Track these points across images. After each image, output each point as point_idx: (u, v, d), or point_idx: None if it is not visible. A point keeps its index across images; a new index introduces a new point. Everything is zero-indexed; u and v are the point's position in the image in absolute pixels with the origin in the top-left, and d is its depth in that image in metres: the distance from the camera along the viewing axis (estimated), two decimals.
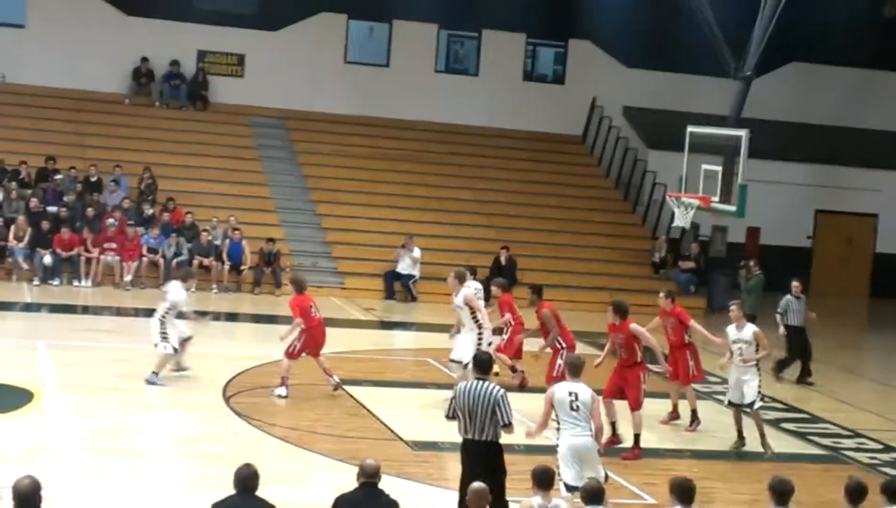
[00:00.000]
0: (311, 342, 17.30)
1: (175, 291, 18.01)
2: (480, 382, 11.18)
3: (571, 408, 11.69)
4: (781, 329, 21.38)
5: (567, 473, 11.60)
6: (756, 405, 15.93)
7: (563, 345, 16.82)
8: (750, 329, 16.18)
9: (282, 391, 16.96)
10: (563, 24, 35.78)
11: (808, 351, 21.49)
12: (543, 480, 9.79)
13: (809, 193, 35.54)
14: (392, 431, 15.70)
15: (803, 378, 21.31)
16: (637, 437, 15.26)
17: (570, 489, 11.49)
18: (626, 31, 35.20)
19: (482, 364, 11.47)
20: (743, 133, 25.34)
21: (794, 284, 21.79)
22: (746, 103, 29.63)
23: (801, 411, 19.05)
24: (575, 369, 12.00)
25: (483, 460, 11.01)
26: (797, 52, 35.90)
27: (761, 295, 23.89)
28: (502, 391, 11.19)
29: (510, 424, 11.09)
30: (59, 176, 28.36)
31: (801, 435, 17.28)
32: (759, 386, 15.99)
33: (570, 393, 11.76)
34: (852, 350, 22.11)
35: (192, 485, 12.88)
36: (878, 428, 18.32)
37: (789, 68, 36.43)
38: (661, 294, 17.88)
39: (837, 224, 36.13)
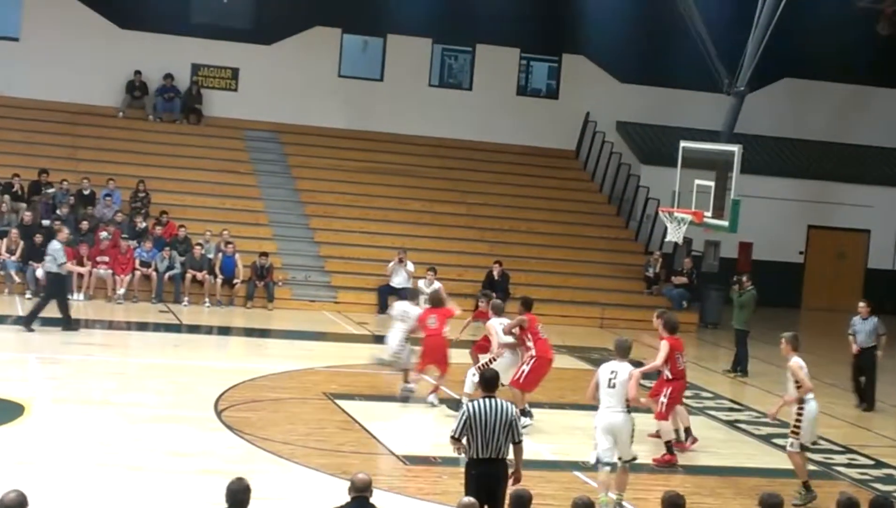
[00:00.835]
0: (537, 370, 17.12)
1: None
2: (491, 400, 10.99)
3: (609, 385, 13.10)
4: (854, 348, 21.21)
5: (601, 445, 13.05)
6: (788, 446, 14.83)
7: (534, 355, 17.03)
8: (791, 361, 14.76)
9: (527, 420, 16.17)
10: (557, 39, 35.85)
11: (869, 375, 21.20)
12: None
13: (802, 208, 35.63)
14: (384, 445, 15.70)
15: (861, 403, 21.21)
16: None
17: (602, 464, 13.02)
18: (619, 47, 35.27)
19: (489, 382, 11.24)
20: (736, 148, 25.42)
21: (860, 304, 21.59)
22: (739, 119, 29.70)
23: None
24: (622, 350, 13.36)
25: (495, 478, 10.93)
26: (790, 67, 36.02)
27: (753, 310, 23.89)
28: (515, 408, 11.14)
29: (521, 440, 11.08)
30: (51, 190, 28.34)
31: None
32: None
33: (612, 372, 13.16)
34: (844, 367, 22.10)
35: (184, 499, 12.86)
36: (869, 444, 18.34)
37: (782, 84, 36.54)
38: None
39: (830, 240, 36.21)
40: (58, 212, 27.66)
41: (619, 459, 13.26)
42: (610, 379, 13.08)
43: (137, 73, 32.78)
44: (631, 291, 30.96)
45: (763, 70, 30.02)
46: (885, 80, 37.18)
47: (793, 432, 14.43)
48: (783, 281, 34.62)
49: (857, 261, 36.61)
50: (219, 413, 16.68)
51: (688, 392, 20.85)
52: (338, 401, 17.93)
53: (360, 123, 34.25)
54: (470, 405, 11.03)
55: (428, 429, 17.16)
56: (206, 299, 27.28)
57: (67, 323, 22.09)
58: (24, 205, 28.07)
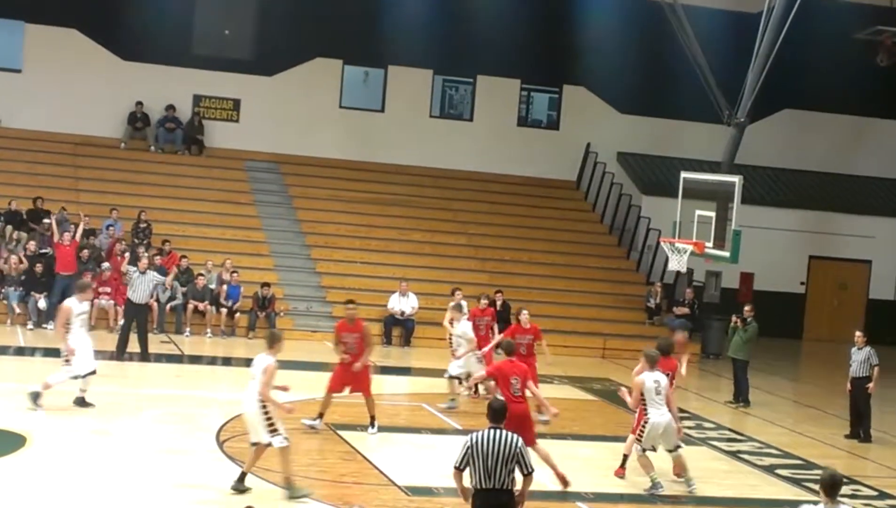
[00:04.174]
0: None
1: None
2: (496, 431, 10.93)
3: (656, 392, 15.51)
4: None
5: (648, 443, 15.56)
6: None
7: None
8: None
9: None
10: (558, 71, 35.97)
11: (861, 406, 21.07)
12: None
13: (803, 239, 35.66)
14: (386, 476, 15.65)
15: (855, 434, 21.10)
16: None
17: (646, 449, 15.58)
18: (620, 78, 35.40)
19: (496, 413, 11.12)
20: (736, 179, 25.44)
21: (857, 334, 21.52)
22: (740, 150, 29.75)
23: (794, 457, 19.01)
24: (653, 360, 15.62)
25: (500, 505, 10.90)
26: (790, 98, 36.13)
27: (755, 341, 23.88)
28: (521, 439, 11.05)
29: (532, 472, 11.04)
30: (47, 220, 28.23)
31: (795, 481, 17.22)
32: None
33: (655, 381, 15.50)
34: (846, 398, 22.05)
35: None
36: (873, 475, 18.30)
37: (783, 115, 36.64)
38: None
39: (831, 270, 36.21)
40: (60, 239, 27.59)
41: (669, 451, 15.79)
42: (656, 388, 15.57)
43: (139, 104, 32.89)
44: (632, 321, 30.95)
45: (763, 101, 30.09)
46: (884, 111, 37.29)
47: (637, 439, 15.77)
48: (784, 312, 34.62)
49: (858, 292, 36.60)
50: (221, 444, 16.64)
51: (689, 423, 20.88)
52: (339, 432, 17.89)
53: (361, 153, 34.31)
54: (473, 435, 10.96)
55: (430, 460, 17.11)
56: (208, 330, 27.27)
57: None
58: (24, 234, 28.10)
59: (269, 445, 14.06)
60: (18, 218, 28.62)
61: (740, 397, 23.70)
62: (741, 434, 20.81)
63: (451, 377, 20.39)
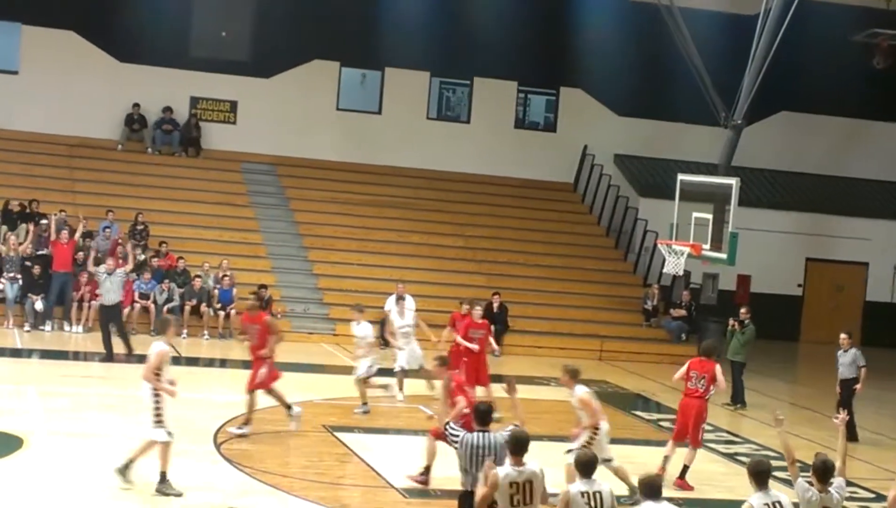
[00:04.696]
0: None
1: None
2: (484, 434, 11.00)
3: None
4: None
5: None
6: None
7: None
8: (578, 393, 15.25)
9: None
10: (555, 73, 35.99)
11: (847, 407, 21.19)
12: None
13: (800, 241, 35.69)
14: (383, 478, 15.64)
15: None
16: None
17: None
18: (617, 80, 35.41)
19: (482, 416, 11.18)
20: (733, 181, 25.47)
21: (842, 336, 21.54)
22: (737, 152, 29.79)
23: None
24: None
25: None
26: (787, 101, 36.17)
27: (753, 344, 23.92)
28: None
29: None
30: (44, 221, 28.24)
31: (792, 484, 17.19)
32: None
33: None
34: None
35: None
36: (870, 477, 18.29)
37: (779, 117, 36.67)
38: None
39: (828, 272, 36.24)
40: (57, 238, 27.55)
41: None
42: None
43: (136, 106, 32.88)
44: (629, 323, 30.96)
45: (760, 103, 30.15)
46: (881, 113, 37.32)
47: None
48: (782, 314, 34.65)
49: (855, 294, 36.63)
50: (218, 446, 16.64)
51: None
52: (336, 433, 17.89)
53: (359, 155, 34.31)
54: (463, 439, 11.01)
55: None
56: (205, 332, 27.26)
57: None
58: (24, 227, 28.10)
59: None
60: (13, 217, 28.56)
61: (738, 399, 23.72)
62: (738, 437, 20.82)
63: (362, 379, 19.67)
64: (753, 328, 23.65)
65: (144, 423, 14.05)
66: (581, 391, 14.71)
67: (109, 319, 23.46)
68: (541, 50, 35.45)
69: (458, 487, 11.32)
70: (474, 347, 20.35)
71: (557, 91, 36.45)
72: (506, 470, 10.02)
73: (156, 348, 14.20)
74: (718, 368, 16.62)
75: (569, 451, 14.18)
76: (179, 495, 13.86)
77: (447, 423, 11.32)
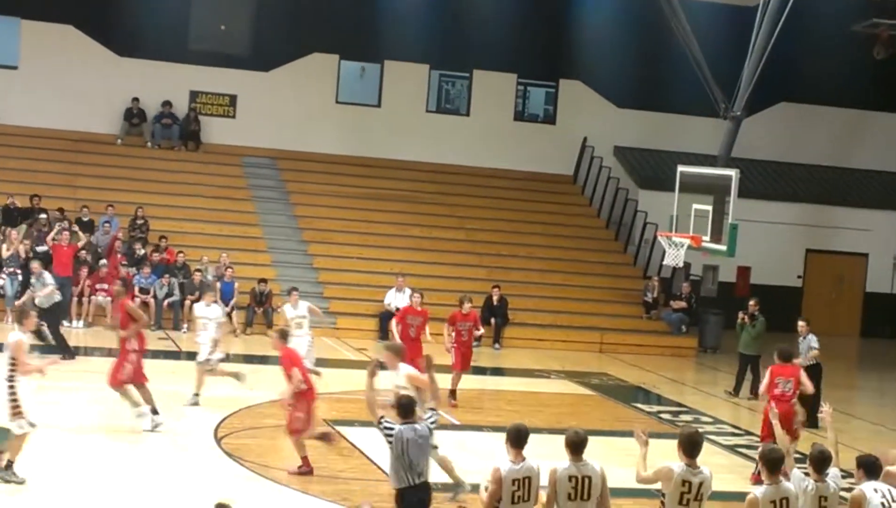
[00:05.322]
0: None
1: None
2: (413, 426, 11.07)
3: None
4: None
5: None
6: None
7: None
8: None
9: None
10: (554, 65, 35.97)
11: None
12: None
13: (800, 232, 35.69)
14: (384, 472, 15.62)
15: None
16: None
17: None
18: (616, 72, 35.39)
19: (405, 409, 11.22)
20: (733, 173, 25.49)
21: (799, 323, 21.71)
22: (736, 143, 29.75)
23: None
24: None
25: (429, 501, 11.11)
26: (787, 92, 36.14)
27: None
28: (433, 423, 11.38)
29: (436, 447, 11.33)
30: (43, 216, 28.27)
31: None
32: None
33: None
34: (843, 390, 22.11)
35: None
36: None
37: (779, 108, 36.65)
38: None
39: (828, 263, 36.24)
40: (56, 238, 27.59)
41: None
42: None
43: (135, 100, 32.88)
44: (630, 315, 30.96)
45: (760, 94, 30.15)
46: (881, 103, 37.30)
47: None
48: (782, 305, 34.57)
49: (855, 285, 36.64)
50: (218, 441, 16.65)
51: (687, 417, 20.93)
52: (337, 427, 17.89)
53: (358, 148, 34.31)
54: (398, 434, 10.99)
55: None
56: None
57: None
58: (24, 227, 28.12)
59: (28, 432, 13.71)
60: (14, 215, 28.57)
61: (754, 390, 23.72)
62: (738, 429, 20.84)
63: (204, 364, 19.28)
64: (764, 320, 23.58)
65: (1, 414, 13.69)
66: (407, 368, 14.34)
67: (47, 320, 22.94)
68: (540, 42, 35.43)
69: (449, 479, 11.34)
70: (448, 342, 20.46)
71: (557, 83, 36.43)
72: (508, 467, 10.01)
73: (12, 337, 13.90)
74: (802, 371, 17.01)
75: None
76: (21, 482, 13.70)
77: (381, 417, 11.24)
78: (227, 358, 20.10)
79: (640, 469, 10.35)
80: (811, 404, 20.97)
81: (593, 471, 10.03)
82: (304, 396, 15.15)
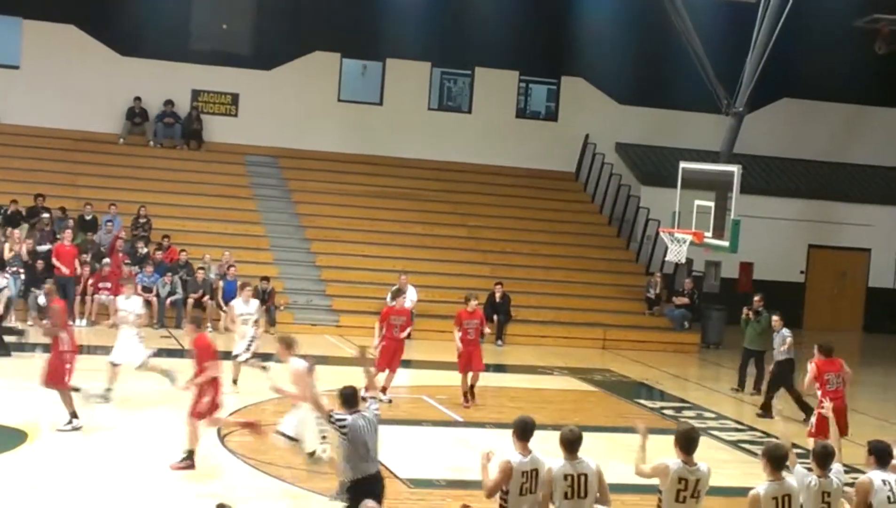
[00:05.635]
0: None
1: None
2: (362, 415, 11.11)
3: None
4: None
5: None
6: None
7: None
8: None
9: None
10: (556, 62, 35.96)
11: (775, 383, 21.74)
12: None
13: (802, 228, 35.66)
14: (387, 469, 15.64)
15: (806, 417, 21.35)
16: None
17: None
18: (618, 69, 35.37)
19: (348, 399, 11.25)
20: (735, 169, 25.47)
21: (773, 318, 22.04)
22: (738, 139, 29.78)
23: (796, 446, 19.00)
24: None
25: (382, 488, 11.19)
26: (789, 88, 36.11)
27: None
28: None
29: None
30: (46, 215, 28.31)
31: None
32: None
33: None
34: (846, 386, 22.04)
35: None
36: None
37: (781, 104, 36.63)
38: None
39: (830, 259, 36.22)
40: (58, 237, 27.65)
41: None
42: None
43: (137, 99, 32.89)
44: (632, 312, 30.97)
45: (762, 90, 30.11)
46: (883, 99, 37.28)
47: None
48: (784, 301, 34.51)
49: (857, 280, 36.63)
50: (221, 438, 16.66)
51: (690, 413, 20.95)
52: None
53: (360, 146, 34.32)
54: (351, 424, 11.03)
55: (431, 452, 17.14)
56: (209, 324, 27.24)
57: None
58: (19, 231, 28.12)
59: None
60: (17, 217, 28.59)
61: (744, 384, 23.76)
62: (742, 424, 20.85)
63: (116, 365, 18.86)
64: (769, 315, 23.58)
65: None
66: (298, 363, 14.46)
67: None
68: (542, 39, 35.41)
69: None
70: (459, 343, 20.25)
71: (558, 80, 36.43)
72: (518, 459, 10.03)
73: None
74: (843, 363, 17.14)
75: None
76: None
77: (331, 411, 11.25)
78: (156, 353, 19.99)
79: (639, 461, 10.36)
80: (768, 391, 21.35)
81: (589, 469, 10.03)
82: (211, 384, 15.14)
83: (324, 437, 14.09)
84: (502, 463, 10.00)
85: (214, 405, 15.15)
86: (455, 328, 20.32)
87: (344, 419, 11.03)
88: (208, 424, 15.32)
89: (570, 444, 10.04)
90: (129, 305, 19.30)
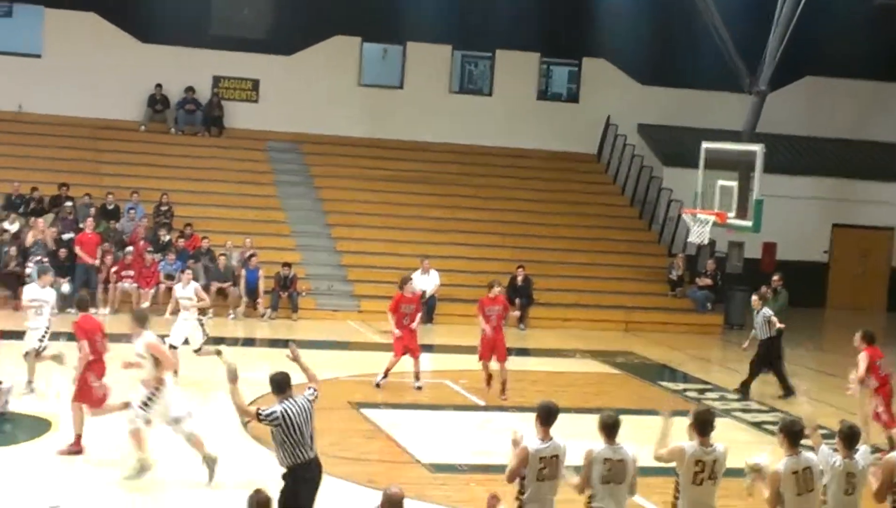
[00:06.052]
0: None
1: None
2: (293, 401, 11.03)
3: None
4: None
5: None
6: None
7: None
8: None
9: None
10: (577, 43, 35.84)
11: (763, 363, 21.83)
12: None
13: (825, 207, 35.48)
14: (410, 454, 15.69)
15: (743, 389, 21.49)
16: None
17: None
18: (639, 49, 35.27)
19: (280, 384, 11.16)
20: (758, 148, 25.37)
21: (753, 298, 21.98)
22: (761, 118, 29.61)
23: (820, 427, 18.94)
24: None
25: (320, 472, 11.12)
26: (811, 66, 35.91)
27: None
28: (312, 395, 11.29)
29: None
30: (69, 203, 28.42)
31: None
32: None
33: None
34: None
35: None
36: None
37: (803, 82, 36.43)
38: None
39: (854, 238, 36.04)
40: (80, 226, 27.75)
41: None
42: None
43: (158, 86, 32.96)
44: (655, 293, 30.89)
45: (784, 69, 29.92)
46: None
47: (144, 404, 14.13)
48: (808, 281, 34.45)
49: (881, 259, 36.44)
50: (244, 424, 16.70)
51: (714, 394, 20.91)
52: (363, 410, 17.97)
53: (381, 131, 34.30)
54: (283, 410, 10.94)
55: (454, 437, 17.16)
56: (231, 311, 27.34)
57: None
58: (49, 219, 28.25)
59: None
60: (40, 207, 28.71)
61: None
62: (764, 405, 20.79)
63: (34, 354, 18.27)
64: (786, 293, 23.54)
65: None
66: (150, 337, 14.31)
67: None
68: (562, 20, 35.30)
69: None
70: (487, 327, 19.99)
71: (580, 62, 36.32)
72: (536, 445, 10.03)
73: None
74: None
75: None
76: None
77: (258, 409, 11.15)
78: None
79: (659, 445, 10.36)
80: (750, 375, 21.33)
81: (626, 455, 10.05)
82: (93, 366, 15.11)
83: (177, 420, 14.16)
84: (520, 450, 10.00)
85: (104, 389, 15.09)
86: (478, 316, 20.16)
87: (272, 412, 10.95)
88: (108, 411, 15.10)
89: (609, 429, 10.09)
90: (187, 292, 20.21)
